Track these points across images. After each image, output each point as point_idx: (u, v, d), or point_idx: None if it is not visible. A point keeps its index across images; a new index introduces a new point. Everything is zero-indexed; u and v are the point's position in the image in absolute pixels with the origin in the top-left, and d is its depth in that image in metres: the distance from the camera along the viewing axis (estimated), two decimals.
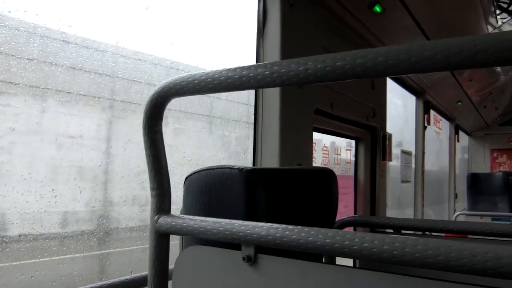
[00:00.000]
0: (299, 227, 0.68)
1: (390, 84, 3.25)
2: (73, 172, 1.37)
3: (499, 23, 3.38)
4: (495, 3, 3.06)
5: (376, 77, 0.62)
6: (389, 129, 2.90)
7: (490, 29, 3.44)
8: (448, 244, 0.56)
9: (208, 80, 0.73)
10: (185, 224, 0.81)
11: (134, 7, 1.53)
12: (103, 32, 1.43)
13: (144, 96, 1.51)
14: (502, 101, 6.16)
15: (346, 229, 1.37)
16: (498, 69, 4.43)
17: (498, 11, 3.19)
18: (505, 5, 3.12)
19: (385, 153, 2.77)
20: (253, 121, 1.74)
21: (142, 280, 1.19)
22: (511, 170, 6.35)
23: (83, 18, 1.37)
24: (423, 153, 4.15)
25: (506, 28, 3.47)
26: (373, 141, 2.72)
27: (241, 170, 0.89)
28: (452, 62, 0.53)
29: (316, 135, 2.50)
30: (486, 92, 5.27)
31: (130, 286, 1.17)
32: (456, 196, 5.81)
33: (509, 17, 3.32)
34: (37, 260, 1.28)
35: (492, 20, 3.31)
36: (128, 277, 1.18)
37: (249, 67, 0.69)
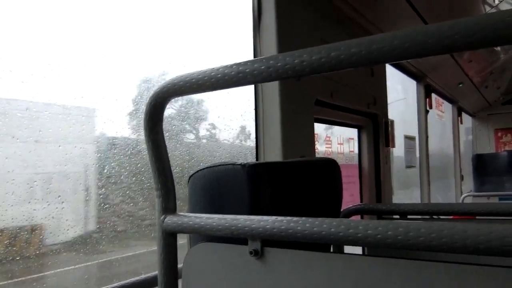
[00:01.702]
0: (303, 218, 0.69)
1: (390, 70, 3.23)
2: None
3: (496, 1, 3.36)
4: None
5: (372, 65, 0.62)
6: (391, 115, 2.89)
7: (488, 8, 3.42)
8: (451, 226, 0.57)
9: (206, 78, 0.74)
10: (191, 222, 0.81)
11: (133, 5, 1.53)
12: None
13: None
14: (503, 80, 6.11)
15: (353, 217, 1.37)
16: (498, 48, 4.40)
17: None
18: None
19: (388, 140, 2.77)
20: (254, 117, 1.74)
21: (152, 280, 1.20)
22: None
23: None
24: (427, 137, 4.14)
25: (504, 6, 3.44)
26: (375, 128, 2.72)
27: (243, 165, 0.90)
28: (446, 45, 0.53)
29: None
30: (487, 72, 5.23)
31: (141, 287, 1.19)
32: (462, 178, 5.80)
33: None
34: None
35: None
36: (138, 278, 1.19)
37: (245, 63, 0.69)
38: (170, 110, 1.74)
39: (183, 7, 1.70)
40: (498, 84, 6.14)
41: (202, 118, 1.90)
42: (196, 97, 1.84)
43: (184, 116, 1.80)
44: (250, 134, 1.92)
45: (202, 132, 1.93)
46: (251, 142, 1.98)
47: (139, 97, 1.58)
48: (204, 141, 1.95)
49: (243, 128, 2.00)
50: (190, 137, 1.88)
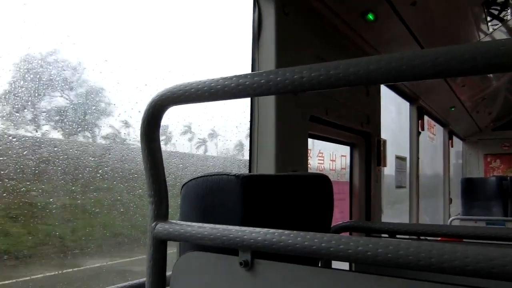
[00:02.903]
0: (295, 231, 0.69)
1: (384, 91, 3.28)
2: None
3: (491, 29, 3.43)
4: (486, 10, 3.11)
5: (369, 84, 0.64)
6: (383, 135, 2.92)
7: (482, 35, 3.49)
8: (441, 246, 0.58)
9: (205, 88, 0.74)
10: (182, 230, 0.82)
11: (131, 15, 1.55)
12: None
13: None
14: (494, 106, 6.22)
15: (342, 234, 1.38)
16: (490, 75, 4.49)
17: (489, 18, 3.24)
18: (496, 12, 3.18)
19: (380, 159, 2.79)
20: (249, 129, 1.75)
21: (140, 287, 1.19)
22: (504, 175, 6.39)
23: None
24: (418, 158, 4.18)
25: (498, 34, 3.52)
26: (368, 147, 2.74)
27: (237, 176, 0.90)
28: (441, 70, 0.55)
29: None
30: (479, 97, 5.32)
31: None
32: (450, 201, 5.84)
33: (500, 24, 3.37)
34: None
35: (483, 26, 3.36)
36: (126, 284, 1.18)
37: (245, 76, 0.70)
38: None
39: (186, 18, 1.72)
40: (489, 110, 6.25)
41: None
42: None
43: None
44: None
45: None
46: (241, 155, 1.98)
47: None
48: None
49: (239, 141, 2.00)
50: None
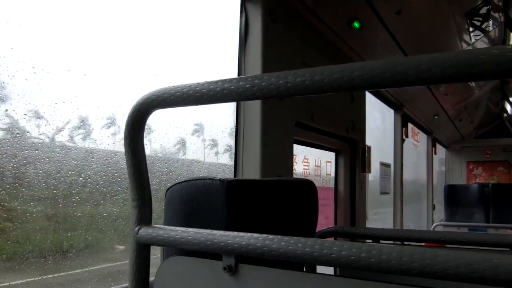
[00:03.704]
0: (279, 236, 0.69)
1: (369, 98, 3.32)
2: None
3: (473, 40, 3.52)
4: (468, 21, 3.18)
5: (353, 90, 0.64)
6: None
7: (464, 45, 3.57)
8: (422, 251, 0.58)
9: (190, 92, 0.74)
10: (166, 235, 0.81)
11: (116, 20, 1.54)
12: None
13: None
14: (476, 115, 6.35)
15: (327, 239, 1.38)
16: (473, 84, 4.59)
17: (471, 29, 3.32)
18: (478, 23, 3.25)
19: (365, 165, 2.82)
20: (234, 133, 1.75)
21: None
22: (486, 182, 6.51)
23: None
24: (402, 165, 4.24)
25: (479, 44, 3.61)
26: (353, 153, 2.77)
27: (222, 181, 0.90)
28: (423, 77, 0.56)
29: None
30: (462, 106, 5.43)
31: None
32: (434, 207, 5.92)
33: (482, 34, 3.45)
34: None
35: (466, 37, 3.44)
36: None
37: (230, 80, 0.71)
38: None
39: (173, 21, 1.71)
40: (471, 119, 6.37)
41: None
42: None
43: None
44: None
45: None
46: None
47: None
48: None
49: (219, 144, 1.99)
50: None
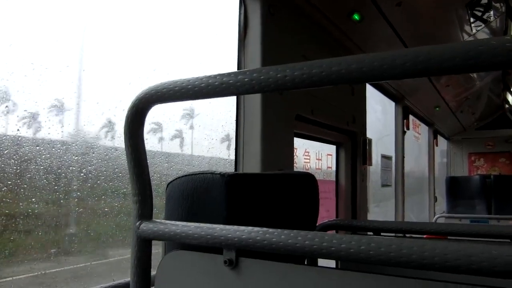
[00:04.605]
0: (279, 230, 0.70)
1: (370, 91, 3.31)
2: None
3: (474, 30, 3.49)
4: (469, 12, 3.16)
5: (351, 83, 0.64)
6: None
7: (466, 36, 3.55)
8: (422, 243, 0.59)
9: (189, 87, 0.74)
10: (167, 230, 0.81)
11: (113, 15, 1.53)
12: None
13: None
14: (478, 106, 6.33)
15: (328, 232, 1.39)
16: (474, 75, 4.57)
17: (472, 19, 3.30)
18: (479, 14, 3.23)
19: (366, 158, 2.82)
20: (234, 127, 1.75)
21: (125, 286, 1.18)
22: (488, 173, 6.50)
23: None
24: (403, 157, 4.23)
25: (481, 35, 3.58)
26: (354, 146, 2.76)
27: (222, 175, 0.90)
28: (422, 69, 0.56)
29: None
30: (463, 97, 5.41)
31: None
32: (435, 199, 5.92)
33: (483, 25, 3.43)
34: None
35: (467, 28, 3.41)
36: (110, 284, 1.17)
37: (229, 74, 0.70)
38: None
39: (172, 16, 1.71)
40: (473, 110, 6.35)
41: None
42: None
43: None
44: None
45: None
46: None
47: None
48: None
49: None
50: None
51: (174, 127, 1.83)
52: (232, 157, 1.80)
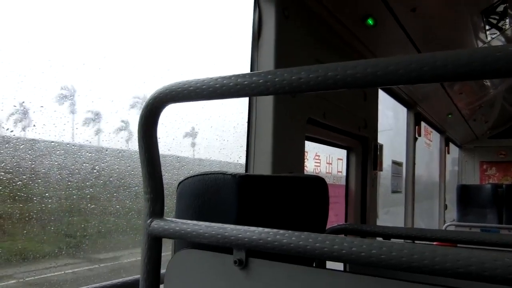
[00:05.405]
0: (289, 231, 0.70)
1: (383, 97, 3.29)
2: None
3: (489, 38, 3.45)
4: (484, 19, 3.13)
5: (366, 87, 0.64)
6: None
7: (480, 44, 3.52)
8: (433, 249, 0.58)
9: (204, 87, 0.75)
10: (178, 228, 0.82)
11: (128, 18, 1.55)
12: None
13: None
14: (491, 114, 6.25)
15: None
16: (488, 82, 4.52)
17: (487, 27, 3.26)
18: (494, 21, 3.20)
19: (376, 163, 2.80)
20: (246, 129, 1.76)
21: (134, 283, 1.19)
22: (500, 183, 6.42)
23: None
24: (414, 163, 4.20)
25: (495, 43, 3.54)
26: (365, 151, 2.75)
27: (234, 176, 0.91)
28: (438, 74, 0.55)
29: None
30: (476, 105, 5.35)
31: None
32: (446, 207, 5.86)
33: (498, 33, 3.39)
34: None
35: (482, 35, 3.38)
36: (119, 280, 1.18)
37: (243, 75, 0.71)
38: None
39: (186, 16, 1.72)
40: (486, 118, 6.28)
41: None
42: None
43: None
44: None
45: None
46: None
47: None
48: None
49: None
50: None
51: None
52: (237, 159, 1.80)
